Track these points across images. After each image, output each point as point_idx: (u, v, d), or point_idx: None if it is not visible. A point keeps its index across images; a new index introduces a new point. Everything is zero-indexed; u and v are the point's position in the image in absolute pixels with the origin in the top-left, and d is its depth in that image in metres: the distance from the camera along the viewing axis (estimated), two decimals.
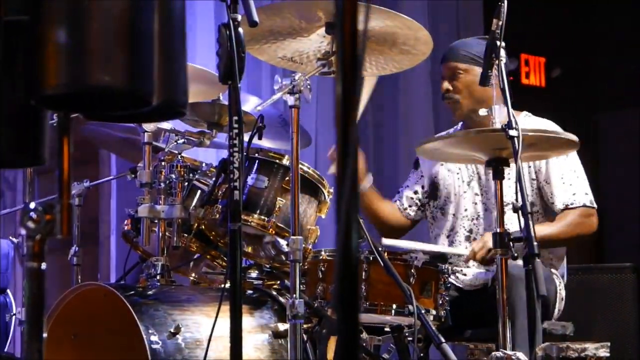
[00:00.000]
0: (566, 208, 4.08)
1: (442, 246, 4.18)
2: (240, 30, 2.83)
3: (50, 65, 1.67)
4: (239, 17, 2.84)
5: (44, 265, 1.79)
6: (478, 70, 3.81)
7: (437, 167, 4.33)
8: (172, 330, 3.20)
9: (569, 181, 4.08)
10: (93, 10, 1.67)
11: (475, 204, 4.20)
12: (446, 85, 4.19)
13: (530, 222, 3.05)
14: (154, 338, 3.16)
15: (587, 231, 4.15)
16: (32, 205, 1.76)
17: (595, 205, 4.15)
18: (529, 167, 4.10)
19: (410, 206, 4.44)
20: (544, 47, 7.82)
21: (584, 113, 7.89)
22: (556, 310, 4.06)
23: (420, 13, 6.39)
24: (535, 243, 3.00)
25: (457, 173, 4.27)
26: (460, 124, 4.34)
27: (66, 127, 1.82)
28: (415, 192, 4.43)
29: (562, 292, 4.12)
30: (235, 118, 2.81)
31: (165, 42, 1.81)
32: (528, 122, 4.15)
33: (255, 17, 2.85)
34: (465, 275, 4.04)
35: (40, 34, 1.67)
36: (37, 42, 1.68)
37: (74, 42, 1.66)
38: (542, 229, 3.88)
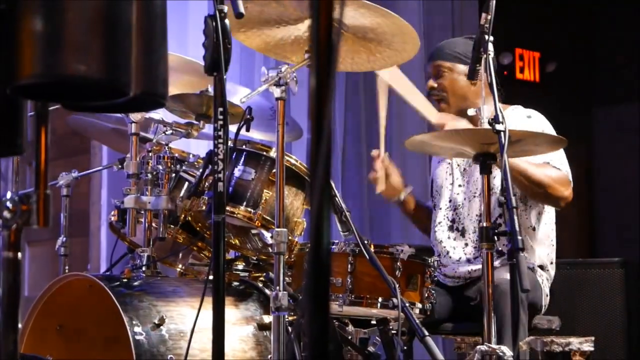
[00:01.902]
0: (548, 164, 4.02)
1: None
2: (227, 21, 2.82)
3: (26, 54, 1.66)
4: (225, 8, 2.83)
5: (20, 255, 1.78)
6: (462, 67, 4.10)
7: (435, 163, 4.40)
8: (156, 321, 3.20)
9: (557, 159, 4.01)
10: None
11: (458, 194, 4.21)
12: (431, 83, 4.27)
13: (515, 217, 3.04)
14: (137, 329, 3.15)
15: (556, 194, 3.97)
16: (9, 194, 1.75)
17: (572, 184, 4.02)
18: None
19: None
20: (539, 41, 7.81)
21: (578, 108, 7.89)
22: (542, 305, 4.06)
23: (415, 10, 6.39)
24: (519, 237, 2.99)
25: (448, 164, 4.30)
26: None
27: (44, 117, 1.81)
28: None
29: (546, 289, 4.10)
30: (221, 109, 2.81)
31: (144, 32, 1.80)
32: (516, 114, 4.15)
33: (242, 9, 2.84)
34: (446, 266, 4.08)
35: (16, 22, 1.66)
36: (13, 31, 1.67)
37: (49, 31, 1.65)
38: (520, 161, 3.88)
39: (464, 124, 3.94)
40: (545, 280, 4.10)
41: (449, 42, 4.34)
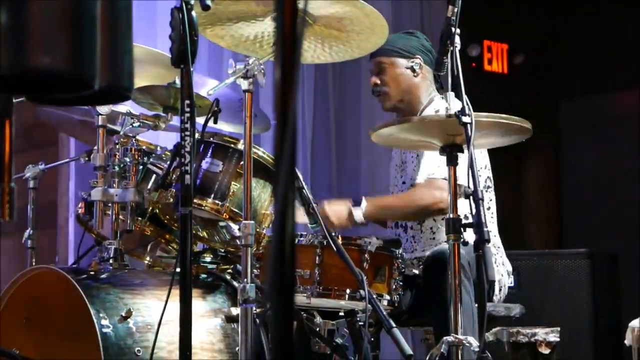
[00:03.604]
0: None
1: None
2: (193, 13, 2.82)
3: None
4: (192, 1, 2.83)
5: None
6: (402, 61, 4.30)
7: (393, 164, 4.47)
8: (123, 314, 3.19)
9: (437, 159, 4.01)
10: None
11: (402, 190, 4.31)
12: (374, 79, 4.40)
13: (482, 208, 3.06)
14: (104, 322, 3.15)
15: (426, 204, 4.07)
16: None
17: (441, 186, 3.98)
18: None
19: None
20: (507, 33, 7.85)
21: (546, 99, 7.94)
22: (496, 289, 4.05)
23: (383, 5, 6.42)
24: (485, 229, 3.01)
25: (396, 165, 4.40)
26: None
27: (8, 110, 1.80)
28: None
29: (500, 269, 4.07)
30: (187, 102, 2.81)
31: (110, 25, 1.79)
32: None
33: (208, 1, 2.84)
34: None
35: None
36: None
37: (14, 24, 1.64)
38: (383, 199, 4.18)
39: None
40: (497, 260, 4.10)
41: (389, 37, 4.37)
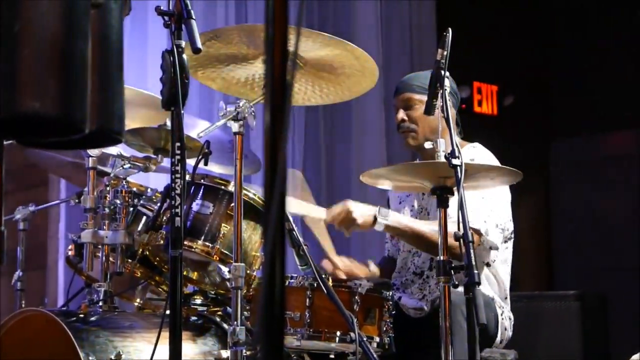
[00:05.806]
0: None
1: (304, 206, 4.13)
2: (184, 56, 2.84)
3: None
4: (183, 44, 2.85)
5: None
6: None
7: (396, 205, 4.38)
8: (112, 357, 3.18)
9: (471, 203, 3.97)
10: (24, 35, 1.65)
11: None
12: (401, 115, 4.23)
13: (472, 251, 3.06)
14: None
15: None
16: None
17: (482, 234, 4.00)
18: None
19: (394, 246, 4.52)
20: (496, 75, 7.88)
21: (536, 141, 7.95)
22: (498, 339, 4.06)
23: (372, 12, 6.45)
24: (475, 272, 3.01)
25: (411, 207, 4.31)
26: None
27: None
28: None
29: (504, 322, 4.11)
30: (178, 144, 2.82)
31: (100, 69, 1.80)
32: (471, 153, 4.15)
33: (199, 44, 2.86)
34: (399, 299, 4.08)
35: None
36: None
37: (5, 68, 1.65)
38: (420, 224, 3.98)
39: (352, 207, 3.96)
40: (505, 313, 4.11)
41: (416, 75, 4.31)
